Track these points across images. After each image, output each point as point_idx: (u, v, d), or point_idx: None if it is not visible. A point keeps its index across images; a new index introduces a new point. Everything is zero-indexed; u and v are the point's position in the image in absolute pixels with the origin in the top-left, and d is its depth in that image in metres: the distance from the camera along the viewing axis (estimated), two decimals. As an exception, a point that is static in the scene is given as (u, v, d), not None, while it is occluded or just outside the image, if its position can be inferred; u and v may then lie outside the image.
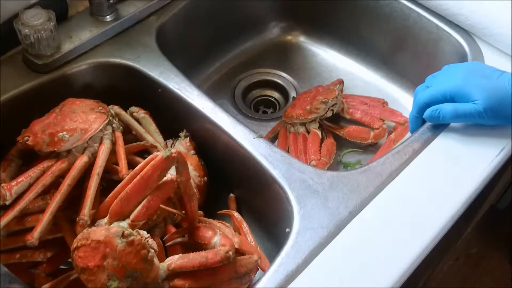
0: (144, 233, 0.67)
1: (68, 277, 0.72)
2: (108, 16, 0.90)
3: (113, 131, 0.80)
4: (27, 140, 0.75)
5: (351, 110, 1.00)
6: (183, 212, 0.76)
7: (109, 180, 0.78)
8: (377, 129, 0.96)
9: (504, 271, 1.61)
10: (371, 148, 0.99)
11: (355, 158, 0.99)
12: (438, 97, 0.78)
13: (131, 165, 0.76)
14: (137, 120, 0.86)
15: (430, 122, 0.80)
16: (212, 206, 0.86)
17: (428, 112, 0.79)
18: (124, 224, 0.68)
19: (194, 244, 0.73)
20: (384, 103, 1.02)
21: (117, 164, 0.77)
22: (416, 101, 0.81)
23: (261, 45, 1.17)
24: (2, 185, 0.70)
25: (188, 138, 0.87)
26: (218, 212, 0.86)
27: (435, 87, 0.80)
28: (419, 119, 0.81)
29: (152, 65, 0.88)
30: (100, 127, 0.77)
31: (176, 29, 0.99)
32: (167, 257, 0.70)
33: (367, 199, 0.73)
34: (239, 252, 0.71)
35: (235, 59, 1.14)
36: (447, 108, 0.77)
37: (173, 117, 0.87)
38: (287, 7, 1.15)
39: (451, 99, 0.78)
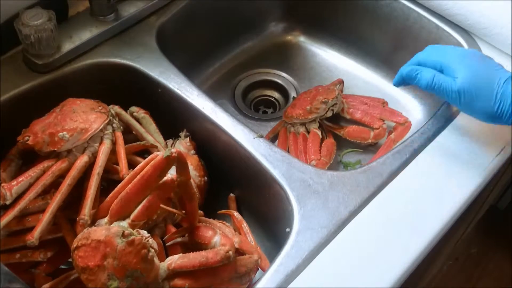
0: (144, 233, 0.67)
1: (68, 277, 0.72)
2: (108, 16, 0.90)
3: (113, 131, 0.80)
4: (27, 140, 0.75)
5: (351, 110, 1.00)
6: (183, 212, 0.76)
7: (109, 180, 0.78)
8: (377, 129, 0.96)
9: (504, 271, 1.61)
10: (371, 148, 0.99)
11: (355, 158, 0.99)
12: (430, 62, 0.77)
13: (131, 165, 0.77)
14: (137, 120, 0.86)
15: (407, 81, 0.78)
16: (212, 206, 0.86)
17: (407, 69, 0.78)
18: (125, 224, 0.68)
19: (194, 244, 0.73)
20: (384, 103, 1.02)
21: (117, 164, 0.77)
22: (413, 57, 0.79)
23: (261, 45, 1.17)
24: (2, 185, 0.71)
25: (188, 138, 0.87)
26: (218, 212, 0.86)
27: (434, 51, 0.78)
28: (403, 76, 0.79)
29: (152, 65, 0.88)
30: (100, 127, 0.77)
31: (176, 29, 0.99)
32: (167, 256, 0.70)
33: (367, 199, 0.73)
34: (239, 251, 0.71)
35: (235, 59, 1.14)
36: (426, 74, 0.75)
37: (173, 117, 0.88)
38: (287, 7, 1.15)
39: (440, 69, 0.76)
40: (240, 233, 0.80)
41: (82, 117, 0.77)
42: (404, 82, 0.80)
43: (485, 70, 0.73)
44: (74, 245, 0.66)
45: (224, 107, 0.85)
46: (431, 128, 0.81)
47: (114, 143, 0.79)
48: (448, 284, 1.58)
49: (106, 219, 0.70)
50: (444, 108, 0.84)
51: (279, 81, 1.12)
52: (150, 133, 0.86)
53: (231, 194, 0.89)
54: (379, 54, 1.10)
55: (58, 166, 0.74)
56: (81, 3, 0.92)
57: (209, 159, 0.88)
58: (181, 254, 0.69)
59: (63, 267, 0.77)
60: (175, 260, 0.67)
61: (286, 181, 0.75)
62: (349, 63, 1.13)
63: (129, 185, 0.68)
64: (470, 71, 0.72)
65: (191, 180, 0.73)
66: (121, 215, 0.69)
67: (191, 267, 0.67)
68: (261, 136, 0.80)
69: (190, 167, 0.80)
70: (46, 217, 0.70)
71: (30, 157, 0.78)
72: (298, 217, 0.71)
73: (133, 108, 0.87)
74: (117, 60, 0.88)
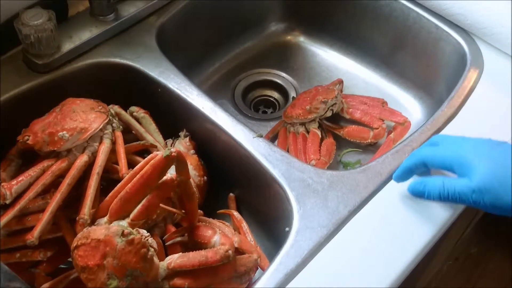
0: (144, 232, 0.67)
1: (68, 276, 0.72)
2: (108, 16, 0.90)
3: (113, 130, 0.80)
4: (27, 140, 0.75)
5: (350, 110, 1.00)
6: (183, 211, 0.76)
7: (109, 180, 0.78)
8: (377, 128, 0.96)
9: (504, 271, 1.61)
10: (371, 147, 0.99)
11: (354, 157, 0.99)
12: (437, 161, 0.67)
13: (131, 164, 0.77)
14: (137, 119, 0.86)
15: (414, 196, 0.70)
16: (212, 206, 0.86)
17: (412, 184, 0.69)
18: (124, 223, 0.68)
19: (194, 243, 0.74)
20: (383, 103, 1.02)
21: (117, 164, 0.77)
22: (415, 153, 0.71)
23: (261, 45, 1.17)
24: (2, 184, 0.71)
25: (188, 137, 0.87)
26: (217, 212, 0.86)
27: (440, 145, 0.68)
28: (406, 173, 0.71)
29: (152, 65, 0.88)
30: (100, 127, 0.77)
31: (176, 29, 0.99)
32: (167, 256, 0.70)
33: (366, 198, 0.73)
34: (238, 251, 0.71)
35: (235, 59, 1.14)
36: (434, 183, 0.66)
37: (173, 116, 0.88)
38: (287, 7, 1.15)
39: (451, 167, 0.65)
40: (239, 233, 0.80)
41: (82, 117, 0.77)
42: (406, 179, 0.72)
43: (506, 157, 0.62)
44: (74, 244, 0.66)
45: (224, 107, 0.85)
46: (431, 128, 0.81)
47: (113, 142, 0.79)
48: (448, 284, 1.58)
49: (105, 219, 0.70)
50: (444, 107, 0.84)
51: (279, 81, 1.12)
52: (150, 132, 0.86)
53: (231, 194, 0.89)
54: (378, 54, 1.10)
55: (58, 165, 0.74)
56: (81, 3, 0.92)
57: (209, 159, 0.88)
58: (180, 253, 0.69)
59: (63, 266, 0.78)
60: (175, 259, 0.67)
61: (286, 180, 0.75)
62: (349, 63, 1.13)
63: (129, 184, 0.68)
64: (488, 163, 0.61)
65: (191, 179, 0.73)
66: (120, 215, 0.69)
67: (191, 267, 0.67)
68: (261, 136, 0.80)
69: (190, 167, 0.80)
70: (46, 216, 0.71)
71: (30, 157, 0.78)
72: (298, 217, 0.71)
73: (133, 108, 0.87)
74: (117, 60, 0.88)
